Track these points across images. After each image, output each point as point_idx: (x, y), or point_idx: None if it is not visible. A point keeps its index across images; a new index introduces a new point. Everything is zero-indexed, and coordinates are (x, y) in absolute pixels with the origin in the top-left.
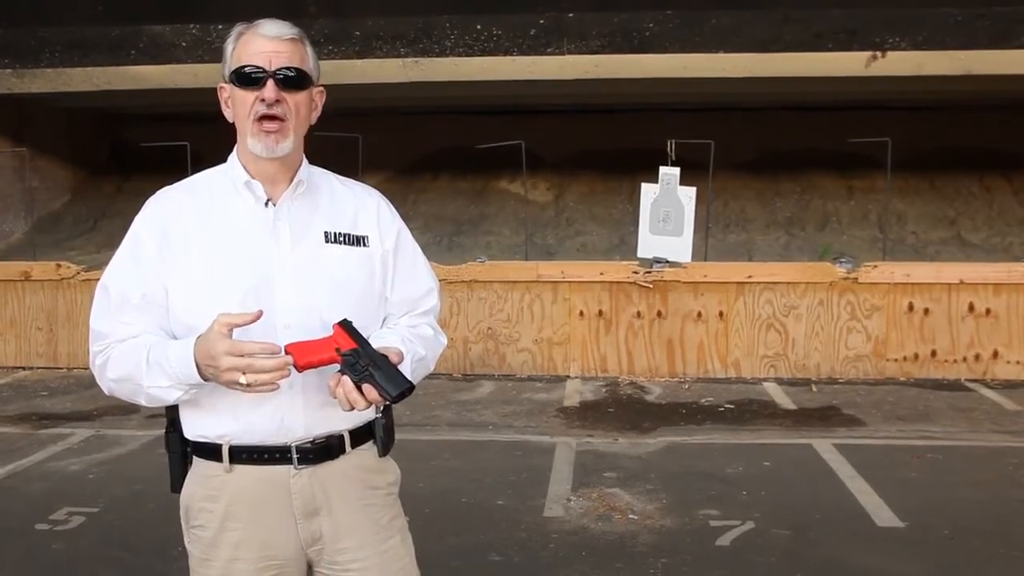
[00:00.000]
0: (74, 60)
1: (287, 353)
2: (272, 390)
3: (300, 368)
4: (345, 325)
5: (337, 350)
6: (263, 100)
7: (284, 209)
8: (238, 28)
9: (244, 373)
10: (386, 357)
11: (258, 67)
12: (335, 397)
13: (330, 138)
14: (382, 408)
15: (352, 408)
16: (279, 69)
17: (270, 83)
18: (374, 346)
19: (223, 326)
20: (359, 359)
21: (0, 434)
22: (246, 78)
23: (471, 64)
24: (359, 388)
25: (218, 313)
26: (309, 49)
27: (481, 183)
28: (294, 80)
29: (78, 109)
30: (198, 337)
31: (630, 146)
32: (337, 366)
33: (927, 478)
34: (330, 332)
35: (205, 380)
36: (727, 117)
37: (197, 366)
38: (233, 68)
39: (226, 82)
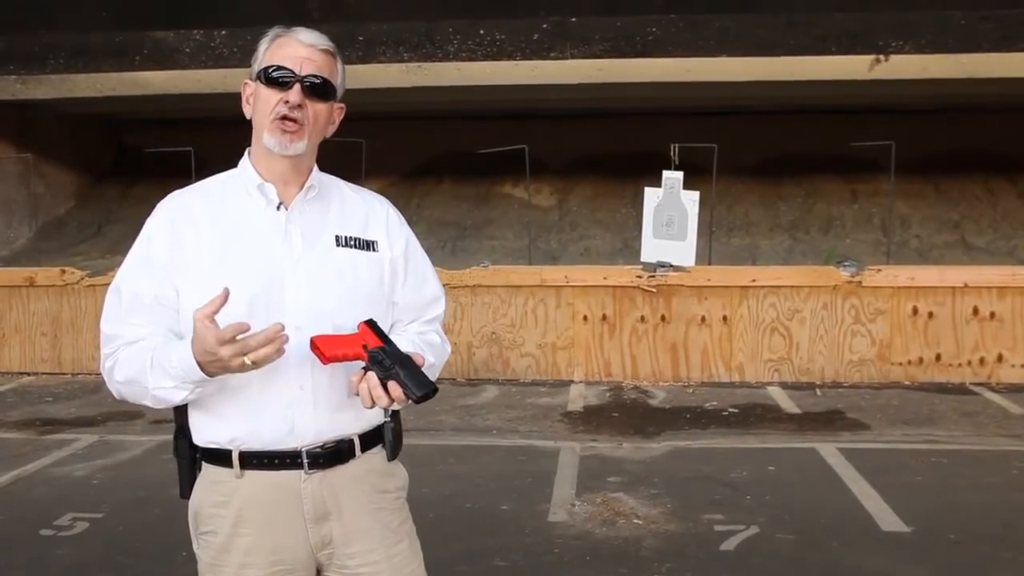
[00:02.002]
0: (79, 66)
1: (313, 345)
2: (281, 356)
3: (326, 360)
4: (371, 324)
5: (364, 347)
6: (286, 102)
7: (296, 212)
8: (275, 30)
9: (246, 355)
10: (410, 358)
11: (288, 70)
12: (357, 394)
13: (333, 143)
14: (391, 413)
15: (374, 405)
16: (307, 75)
17: (296, 87)
18: None
19: (203, 319)
20: (386, 356)
21: (4, 440)
22: (274, 79)
23: (474, 69)
24: (384, 385)
25: (209, 314)
26: (339, 65)
27: (484, 188)
28: (320, 88)
29: (82, 115)
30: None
31: (633, 150)
32: (358, 365)
33: (932, 482)
34: (340, 334)
35: (211, 376)
36: (730, 121)
37: (200, 365)
38: (263, 67)
39: (252, 80)
